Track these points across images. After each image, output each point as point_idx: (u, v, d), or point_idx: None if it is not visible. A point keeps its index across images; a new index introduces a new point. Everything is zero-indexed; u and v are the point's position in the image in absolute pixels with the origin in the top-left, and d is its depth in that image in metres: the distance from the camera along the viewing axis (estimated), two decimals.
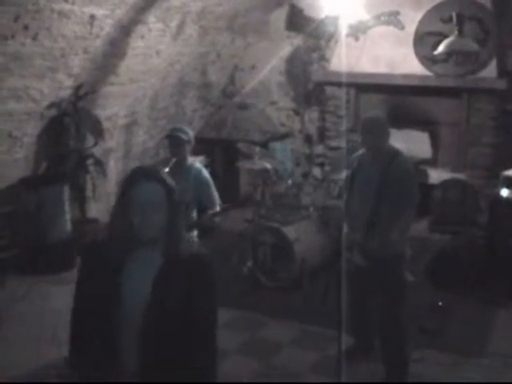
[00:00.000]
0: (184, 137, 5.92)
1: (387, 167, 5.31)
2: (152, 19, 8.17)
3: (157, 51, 8.88)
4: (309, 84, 10.76)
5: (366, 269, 5.36)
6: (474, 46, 7.84)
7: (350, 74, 9.58)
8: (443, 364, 5.71)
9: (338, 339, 4.96)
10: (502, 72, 9.04)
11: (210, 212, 5.99)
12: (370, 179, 5.33)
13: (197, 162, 6.27)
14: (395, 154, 5.45)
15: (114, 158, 9.48)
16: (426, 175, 9.47)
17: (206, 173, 6.10)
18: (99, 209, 9.13)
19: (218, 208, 6.08)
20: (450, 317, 6.54)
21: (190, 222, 5.85)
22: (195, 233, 6.04)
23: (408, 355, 5.51)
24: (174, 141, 5.86)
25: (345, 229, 5.46)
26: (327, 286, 6.19)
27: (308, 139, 10.57)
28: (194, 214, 6.03)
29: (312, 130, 10.81)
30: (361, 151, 5.64)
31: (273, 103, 11.17)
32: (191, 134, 6.05)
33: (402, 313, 5.49)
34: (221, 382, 3.35)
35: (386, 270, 5.38)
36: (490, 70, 9.00)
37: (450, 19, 8.18)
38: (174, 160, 5.72)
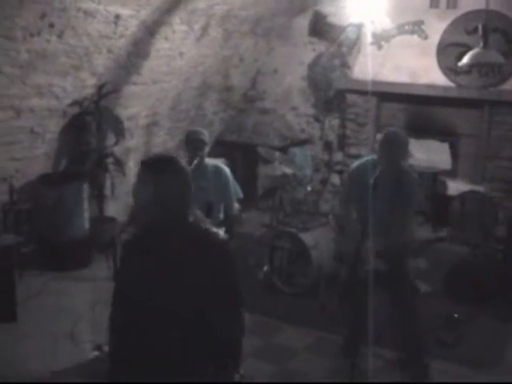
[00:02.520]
0: (205, 139, 5.93)
1: (401, 175, 5.52)
2: (177, 21, 8.19)
3: (180, 53, 8.90)
4: (330, 91, 10.74)
5: (383, 273, 5.38)
6: (500, 58, 7.80)
7: (372, 83, 9.58)
8: (458, 376, 5.69)
9: (353, 346, 4.98)
10: None
11: (235, 209, 6.00)
12: (387, 188, 5.37)
13: (216, 161, 6.25)
14: (405, 167, 5.66)
15: (133, 158, 9.50)
16: (444, 186, 9.44)
17: (226, 170, 6.09)
18: (117, 208, 9.15)
19: (234, 204, 6.07)
20: (465, 329, 6.51)
21: (217, 223, 5.85)
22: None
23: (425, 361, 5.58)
24: (196, 144, 5.86)
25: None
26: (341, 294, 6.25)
27: (327, 146, 10.56)
28: (221, 215, 6.01)
29: (332, 136, 10.79)
30: (363, 160, 5.69)
31: (293, 109, 11.16)
32: (207, 134, 6.07)
33: (416, 313, 5.63)
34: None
35: (403, 270, 5.59)
36: None
37: (475, 30, 8.16)
38: (195, 162, 5.72)
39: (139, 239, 3.31)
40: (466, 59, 7.71)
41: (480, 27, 7.69)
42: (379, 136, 8.09)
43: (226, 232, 6.08)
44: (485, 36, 7.59)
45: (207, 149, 5.96)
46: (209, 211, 5.69)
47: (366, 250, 5.29)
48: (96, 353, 5.82)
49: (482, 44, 7.59)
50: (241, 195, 6.07)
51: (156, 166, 3.16)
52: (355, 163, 5.76)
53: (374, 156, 5.64)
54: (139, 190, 3.13)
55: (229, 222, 6.14)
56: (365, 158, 5.70)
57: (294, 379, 5.77)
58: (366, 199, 5.23)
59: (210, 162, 6.01)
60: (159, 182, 3.07)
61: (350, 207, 5.71)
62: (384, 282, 5.46)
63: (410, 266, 5.81)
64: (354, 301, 5.66)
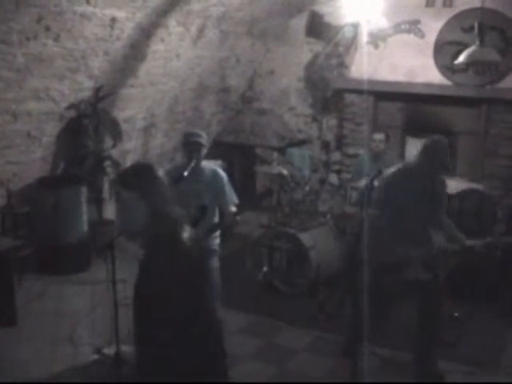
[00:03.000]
0: (203, 141, 5.90)
1: (440, 182, 5.63)
2: (173, 23, 8.19)
3: (177, 55, 8.90)
4: (327, 91, 10.74)
5: (420, 282, 5.36)
6: (496, 56, 7.79)
7: (369, 82, 9.58)
8: (459, 375, 5.69)
9: (354, 345, 4.97)
10: None
11: (230, 213, 5.96)
12: (426, 195, 5.37)
13: (212, 164, 6.22)
14: None
15: (131, 160, 9.49)
16: (443, 185, 9.44)
17: (222, 173, 6.06)
18: (116, 210, 9.15)
19: (233, 208, 6.04)
20: (466, 328, 6.51)
21: (211, 226, 5.84)
22: (217, 240, 6.01)
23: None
24: (194, 146, 5.83)
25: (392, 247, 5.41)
26: (343, 294, 6.23)
27: (325, 146, 10.55)
28: (216, 219, 5.99)
29: (330, 136, 10.79)
30: (398, 168, 5.63)
31: (291, 109, 11.17)
32: (205, 136, 6.04)
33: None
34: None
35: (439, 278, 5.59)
36: (510, 81, 8.97)
37: (471, 29, 8.16)
38: (192, 164, 5.69)
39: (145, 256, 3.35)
40: (462, 57, 7.71)
41: (476, 25, 7.69)
42: (375, 135, 8.12)
43: (221, 234, 6.11)
44: (481, 34, 7.59)
45: (205, 151, 5.93)
46: (202, 214, 5.68)
47: (409, 259, 5.29)
48: (96, 356, 5.82)
49: (477, 42, 7.59)
50: (236, 201, 6.03)
51: (124, 180, 3.17)
52: (390, 171, 5.63)
53: (404, 163, 5.66)
54: (119, 208, 3.16)
55: (224, 225, 6.12)
56: (396, 167, 5.64)
57: (293, 380, 5.77)
58: (410, 207, 5.24)
59: (207, 165, 5.97)
60: (131, 196, 3.08)
61: (386, 216, 5.61)
62: (422, 291, 5.46)
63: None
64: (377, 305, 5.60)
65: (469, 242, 5.78)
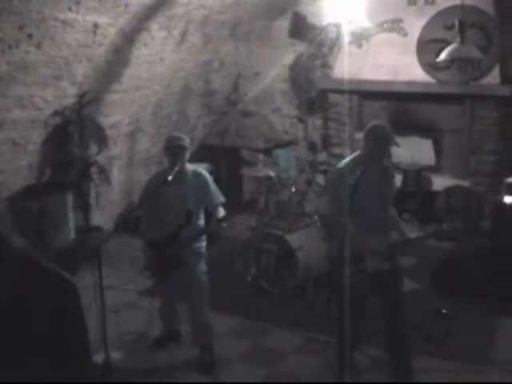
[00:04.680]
0: (186, 145, 5.90)
1: (384, 169, 5.54)
2: (155, 27, 8.18)
3: (160, 59, 8.90)
4: (312, 91, 10.77)
5: (381, 272, 5.34)
6: (477, 53, 7.83)
7: (353, 81, 9.62)
8: (447, 372, 5.71)
9: (342, 346, 4.98)
10: (505, 78, 9.05)
11: (217, 218, 5.96)
12: (374, 183, 5.35)
13: (194, 166, 6.21)
14: None
15: (117, 166, 9.50)
16: (429, 182, 9.48)
17: (205, 174, 6.05)
18: (103, 216, 9.15)
19: (220, 207, 6.04)
20: (453, 324, 6.53)
21: (197, 230, 5.84)
22: (204, 243, 6.02)
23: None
24: (178, 150, 5.83)
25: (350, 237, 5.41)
26: (331, 294, 6.24)
27: (311, 146, 10.56)
28: (201, 222, 6.00)
29: (315, 137, 10.82)
30: (349, 158, 5.64)
31: (276, 110, 11.19)
32: (188, 139, 6.03)
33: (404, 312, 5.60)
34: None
35: (399, 268, 5.56)
36: (493, 77, 9.02)
37: (453, 26, 8.17)
38: (176, 169, 5.69)
39: None
40: (443, 55, 7.74)
41: (456, 23, 7.72)
42: (357, 135, 8.14)
43: (208, 239, 6.11)
44: (461, 31, 7.62)
45: (188, 154, 5.94)
46: (188, 219, 5.68)
47: (366, 250, 5.26)
48: None
49: (459, 39, 7.62)
50: (222, 200, 6.04)
51: None
52: (340, 164, 5.69)
53: (356, 154, 5.63)
54: None
55: (212, 228, 6.12)
56: (348, 158, 5.66)
57: (284, 381, 5.78)
58: (357, 198, 5.22)
59: (190, 167, 5.98)
60: None
61: (341, 209, 5.62)
62: (384, 282, 5.44)
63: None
64: (350, 302, 5.60)
65: (412, 234, 5.71)
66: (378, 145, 5.38)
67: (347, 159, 5.62)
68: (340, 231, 5.24)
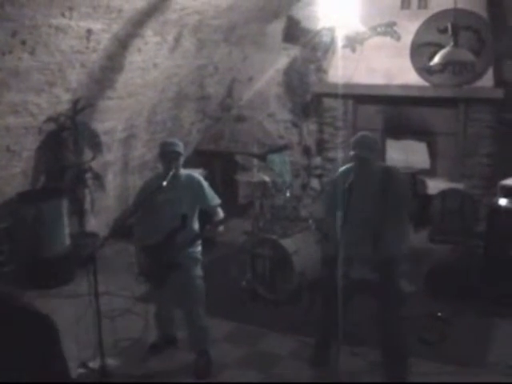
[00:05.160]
0: (180, 150, 5.92)
1: (384, 180, 5.45)
2: (149, 33, 8.19)
3: (154, 64, 8.90)
4: (306, 95, 10.77)
5: (367, 282, 5.35)
6: (470, 56, 7.84)
7: (347, 85, 9.62)
8: (443, 374, 5.71)
9: (337, 350, 4.97)
10: (499, 81, 9.06)
11: (218, 219, 5.97)
12: (367, 193, 5.35)
13: (188, 171, 6.21)
14: (387, 167, 5.59)
15: (112, 172, 9.50)
16: (424, 185, 9.48)
17: (199, 178, 6.06)
18: (98, 222, 9.14)
19: (219, 209, 6.04)
20: (449, 327, 6.54)
21: (192, 235, 5.85)
22: (199, 248, 6.03)
23: (408, 363, 5.57)
24: (172, 155, 5.85)
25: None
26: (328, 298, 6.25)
27: (306, 151, 10.57)
28: (196, 227, 6.00)
29: (310, 141, 10.82)
30: (344, 167, 5.67)
31: (271, 115, 11.19)
32: (182, 145, 6.05)
33: (400, 321, 5.58)
34: None
35: (389, 279, 5.46)
36: (487, 80, 9.03)
37: (447, 30, 8.16)
38: (171, 174, 5.71)
39: None
40: (436, 58, 7.74)
41: (449, 26, 7.73)
42: (353, 139, 8.14)
43: (203, 244, 6.11)
44: (455, 35, 7.62)
45: (182, 159, 5.95)
46: (183, 224, 5.69)
47: (349, 257, 5.24)
48: (81, 370, 5.80)
49: (452, 43, 7.63)
50: (218, 201, 6.06)
51: None
52: (340, 171, 5.72)
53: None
54: None
55: (212, 230, 6.10)
56: (346, 166, 5.68)
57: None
58: (349, 205, 5.21)
59: (184, 172, 6.00)
60: None
61: (334, 214, 5.65)
62: (371, 291, 5.44)
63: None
64: (327, 306, 5.62)
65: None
66: (360, 152, 5.43)
67: (344, 166, 5.64)
68: (331, 236, 5.26)
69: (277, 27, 10.69)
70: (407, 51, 9.45)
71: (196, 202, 5.95)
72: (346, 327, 4.91)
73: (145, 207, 5.86)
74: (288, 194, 8.10)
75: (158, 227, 5.82)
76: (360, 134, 5.70)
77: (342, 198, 5.24)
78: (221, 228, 6.01)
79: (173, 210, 5.78)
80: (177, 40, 8.86)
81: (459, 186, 9.16)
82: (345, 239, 5.07)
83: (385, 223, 5.37)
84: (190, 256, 5.88)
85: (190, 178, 5.98)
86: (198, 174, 6.30)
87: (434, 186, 9.38)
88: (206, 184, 6.05)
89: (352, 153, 5.49)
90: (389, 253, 5.39)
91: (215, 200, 6.05)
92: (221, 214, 6.01)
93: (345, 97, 9.85)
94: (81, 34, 7.22)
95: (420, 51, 9.34)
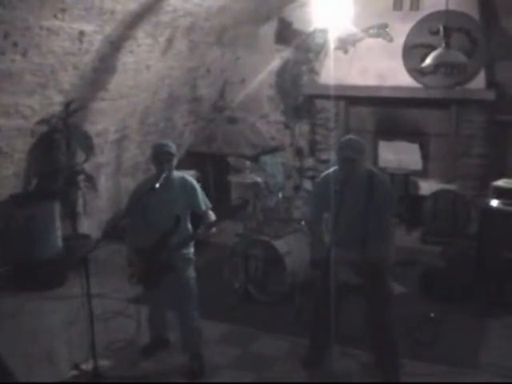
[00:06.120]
0: (173, 151, 5.91)
1: (369, 183, 5.41)
2: (141, 34, 8.19)
3: (146, 66, 8.90)
4: (299, 97, 10.80)
5: (352, 285, 5.35)
6: (461, 58, 7.87)
7: (340, 87, 9.65)
8: (436, 375, 5.72)
9: (330, 351, 4.98)
10: (491, 83, 9.11)
11: (209, 222, 5.96)
12: (354, 196, 5.34)
13: (181, 173, 6.21)
14: (371, 170, 5.57)
15: (104, 174, 9.49)
16: (416, 187, 9.52)
17: (192, 180, 6.06)
18: (90, 224, 9.13)
19: (210, 212, 6.04)
20: (442, 328, 6.55)
21: (185, 236, 5.85)
22: (192, 249, 6.03)
23: (399, 362, 5.59)
24: (164, 157, 5.85)
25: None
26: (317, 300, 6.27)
27: (298, 152, 10.60)
28: (189, 228, 6.00)
29: (302, 143, 10.84)
30: (331, 169, 5.65)
31: (263, 117, 11.20)
32: (174, 146, 6.04)
33: (392, 322, 5.57)
34: None
35: (376, 282, 5.43)
36: (479, 81, 9.06)
37: (438, 31, 8.21)
38: (164, 175, 5.71)
39: None
40: (428, 60, 7.78)
41: (441, 28, 7.75)
42: None
43: (196, 245, 6.11)
44: (446, 36, 7.65)
45: (175, 161, 5.95)
46: (176, 225, 5.69)
47: (335, 259, 5.22)
48: (74, 372, 5.79)
49: (443, 44, 7.65)
50: (209, 205, 6.06)
51: None
52: (324, 172, 5.72)
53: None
54: None
55: (203, 233, 6.10)
56: (332, 168, 5.67)
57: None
58: (336, 207, 5.20)
59: (177, 174, 5.99)
60: None
61: (320, 215, 5.65)
62: (358, 294, 5.44)
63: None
64: (315, 309, 5.62)
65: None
66: (346, 156, 5.38)
67: (331, 168, 5.63)
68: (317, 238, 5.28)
69: (269, 29, 10.74)
70: (399, 53, 9.49)
71: (189, 205, 5.95)
72: (338, 329, 4.93)
73: (138, 209, 5.85)
74: (280, 196, 8.12)
75: (151, 229, 5.82)
76: (347, 136, 5.70)
77: (329, 200, 5.25)
78: (213, 230, 6.00)
79: (166, 211, 5.77)
80: (169, 42, 8.86)
81: (451, 187, 9.19)
82: (333, 241, 5.10)
83: (369, 226, 5.33)
84: (183, 257, 5.87)
85: (184, 180, 5.97)
86: (190, 176, 6.30)
87: (427, 187, 9.41)
88: (198, 187, 6.05)
89: (339, 154, 5.46)
90: (374, 256, 5.36)
91: (207, 204, 6.05)
92: (212, 216, 6.00)
93: (337, 98, 9.88)
94: (73, 35, 7.22)
95: (412, 53, 9.37)
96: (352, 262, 5.30)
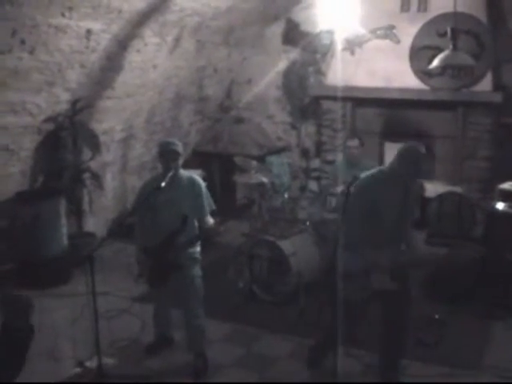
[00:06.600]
0: (179, 150, 5.91)
1: (409, 187, 5.37)
2: (148, 33, 8.20)
3: (153, 65, 8.91)
4: (305, 98, 10.79)
5: (390, 292, 5.29)
6: (469, 60, 7.85)
7: (346, 88, 9.63)
8: (439, 376, 5.71)
9: (334, 351, 4.97)
10: (497, 85, 9.08)
11: (205, 227, 5.96)
12: (395, 201, 5.27)
13: (189, 172, 6.21)
14: None
15: (110, 172, 9.50)
16: (422, 188, 9.48)
17: (200, 181, 6.06)
18: (96, 222, 9.14)
19: (208, 217, 6.03)
20: (446, 330, 6.54)
21: (192, 235, 5.84)
22: (198, 249, 6.02)
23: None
24: (170, 155, 5.84)
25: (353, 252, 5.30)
26: (323, 301, 6.25)
27: (304, 153, 10.59)
28: (196, 227, 5.99)
29: (308, 143, 10.84)
30: (372, 172, 5.54)
31: (269, 117, 11.21)
32: (181, 145, 6.04)
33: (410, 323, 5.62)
34: None
35: (407, 284, 5.43)
36: (486, 84, 9.04)
37: (446, 33, 8.19)
38: (170, 174, 5.70)
39: None
40: (435, 62, 7.76)
41: (449, 30, 7.74)
42: (350, 142, 8.07)
43: (201, 245, 6.11)
44: (454, 39, 7.64)
45: (181, 160, 5.95)
46: (184, 224, 5.69)
47: (373, 267, 5.14)
48: (78, 369, 5.80)
49: (451, 46, 7.64)
50: (213, 207, 6.05)
51: None
52: (364, 177, 5.41)
53: (379, 169, 5.55)
54: None
55: (204, 235, 6.11)
56: (370, 172, 5.54)
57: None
58: (382, 213, 5.16)
59: (185, 173, 5.99)
60: None
61: (360, 223, 5.49)
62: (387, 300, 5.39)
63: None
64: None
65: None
66: (409, 168, 5.23)
67: (370, 173, 5.50)
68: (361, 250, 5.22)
69: (276, 30, 10.73)
70: (406, 54, 9.47)
71: (195, 205, 5.94)
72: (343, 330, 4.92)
73: (145, 208, 5.85)
74: (286, 196, 8.11)
75: (159, 228, 5.82)
76: (412, 145, 5.40)
77: (373, 207, 5.19)
78: (221, 228, 6.01)
79: (173, 210, 5.77)
80: (176, 41, 8.87)
81: (457, 189, 9.17)
82: (365, 248, 5.08)
83: (404, 228, 5.39)
84: (190, 256, 5.88)
85: (192, 180, 5.97)
86: (197, 175, 6.29)
87: (432, 189, 9.37)
88: (205, 190, 6.04)
89: (401, 163, 5.28)
90: (411, 258, 5.38)
91: (211, 206, 6.05)
92: (210, 221, 6.00)
93: (344, 99, 9.87)
94: (80, 34, 7.24)
95: (419, 54, 9.35)
96: (388, 266, 5.24)
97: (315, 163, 10.54)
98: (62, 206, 8.12)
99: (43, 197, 8.06)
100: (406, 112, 9.73)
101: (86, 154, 8.55)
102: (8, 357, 4.02)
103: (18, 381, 4.09)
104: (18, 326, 4.07)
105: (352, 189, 5.03)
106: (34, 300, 4.23)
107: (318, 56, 10.61)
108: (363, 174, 5.44)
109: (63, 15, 6.75)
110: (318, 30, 10.32)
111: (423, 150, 5.33)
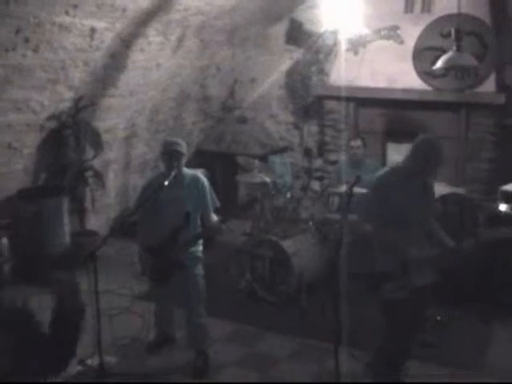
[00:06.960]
0: (182, 150, 5.92)
1: (425, 183, 5.41)
2: (152, 32, 8.19)
3: (157, 64, 8.90)
4: (308, 98, 10.78)
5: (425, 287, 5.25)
6: (473, 61, 7.84)
7: (349, 88, 9.62)
8: (441, 376, 5.71)
9: (335, 352, 4.97)
10: (501, 87, 9.06)
11: (208, 225, 5.98)
12: (416, 197, 5.24)
13: (194, 171, 6.22)
14: None
15: (113, 170, 9.50)
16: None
17: (203, 179, 6.07)
18: (98, 221, 9.15)
19: (212, 215, 6.04)
20: (448, 330, 6.54)
21: (195, 234, 5.85)
22: (201, 247, 6.03)
23: None
24: (174, 155, 5.85)
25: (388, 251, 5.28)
26: (325, 300, 6.23)
27: (307, 153, 10.59)
28: (199, 225, 6.00)
29: (311, 143, 10.82)
30: (387, 169, 5.51)
31: (272, 117, 11.19)
32: (184, 144, 6.05)
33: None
34: None
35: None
36: (489, 85, 9.03)
37: (450, 34, 8.17)
38: (173, 173, 5.72)
39: None
40: (439, 63, 7.75)
41: (452, 31, 7.73)
42: (353, 142, 8.06)
43: (204, 244, 6.12)
44: (457, 39, 7.63)
45: (184, 159, 5.96)
46: (187, 221, 5.70)
47: (410, 263, 5.05)
48: (79, 367, 5.80)
49: (454, 47, 7.63)
50: (217, 204, 6.07)
51: None
52: (379, 176, 5.39)
53: (391, 168, 5.52)
54: None
55: (207, 233, 6.12)
56: (384, 172, 5.49)
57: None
58: (404, 208, 5.09)
59: (188, 171, 6.01)
60: None
61: (387, 225, 5.22)
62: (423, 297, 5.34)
63: None
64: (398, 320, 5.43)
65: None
66: (426, 162, 5.19)
67: (385, 170, 5.47)
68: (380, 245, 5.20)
69: (279, 29, 10.70)
70: (410, 55, 9.45)
71: (199, 203, 5.95)
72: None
73: (147, 206, 5.86)
74: (288, 196, 8.11)
75: (161, 226, 5.83)
76: (430, 137, 5.37)
77: (396, 203, 5.10)
78: (224, 226, 6.02)
79: (176, 209, 5.78)
80: (180, 40, 8.86)
81: (460, 190, 9.14)
82: (395, 245, 5.07)
83: (430, 221, 5.44)
84: (192, 255, 5.89)
85: (196, 178, 5.99)
86: (200, 173, 6.29)
87: (435, 190, 9.36)
88: (209, 188, 6.05)
89: (419, 157, 5.21)
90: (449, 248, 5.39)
91: (215, 204, 6.06)
92: (214, 219, 6.02)
93: (347, 99, 9.85)
94: (84, 32, 7.24)
95: (423, 55, 9.34)
96: (425, 260, 5.16)
97: (318, 163, 10.53)
98: (65, 204, 8.13)
99: (46, 195, 8.07)
100: (408, 112, 9.71)
101: (89, 152, 8.56)
102: (65, 335, 4.55)
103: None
104: (71, 306, 4.57)
105: (355, 189, 5.04)
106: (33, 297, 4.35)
107: (322, 56, 10.59)
108: (377, 174, 5.40)
109: (67, 13, 6.75)
110: (321, 30, 10.30)
111: (439, 141, 5.29)
